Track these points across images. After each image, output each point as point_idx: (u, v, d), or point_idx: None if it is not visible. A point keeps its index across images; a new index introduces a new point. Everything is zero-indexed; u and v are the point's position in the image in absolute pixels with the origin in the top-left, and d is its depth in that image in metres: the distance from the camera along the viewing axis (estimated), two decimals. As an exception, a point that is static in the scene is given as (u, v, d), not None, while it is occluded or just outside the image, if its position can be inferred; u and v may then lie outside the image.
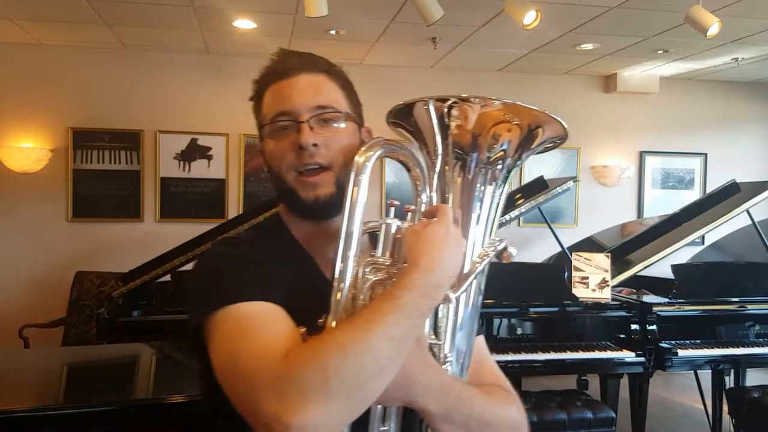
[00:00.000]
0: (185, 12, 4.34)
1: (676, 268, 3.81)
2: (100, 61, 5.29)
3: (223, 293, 0.88)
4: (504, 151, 0.94)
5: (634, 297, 3.85)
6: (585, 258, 3.66)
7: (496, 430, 0.92)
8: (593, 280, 3.61)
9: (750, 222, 4.01)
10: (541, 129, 0.94)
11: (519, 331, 3.51)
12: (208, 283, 0.92)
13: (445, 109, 0.93)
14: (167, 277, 3.96)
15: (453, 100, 0.92)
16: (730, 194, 3.98)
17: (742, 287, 3.80)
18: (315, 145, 0.97)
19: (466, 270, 0.90)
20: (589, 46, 5.05)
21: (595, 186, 6.11)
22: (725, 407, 3.69)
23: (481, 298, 0.97)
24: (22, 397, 2.29)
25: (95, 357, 3.00)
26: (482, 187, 0.95)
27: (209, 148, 5.48)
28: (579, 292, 3.61)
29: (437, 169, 0.95)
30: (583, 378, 3.83)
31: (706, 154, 6.29)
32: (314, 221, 1.03)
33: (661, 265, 3.92)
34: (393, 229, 0.89)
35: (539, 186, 4.30)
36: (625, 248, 4.12)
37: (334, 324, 0.83)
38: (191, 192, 5.46)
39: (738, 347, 3.61)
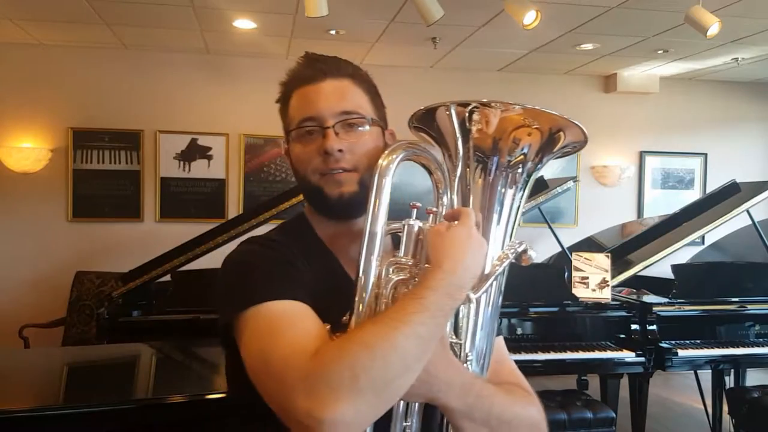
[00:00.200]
0: (185, 12, 4.34)
1: (676, 268, 3.81)
2: (100, 61, 5.29)
3: (253, 292, 0.90)
4: (524, 155, 0.96)
5: (634, 297, 3.85)
6: (585, 258, 3.66)
7: (516, 428, 0.94)
8: (593, 280, 3.61)
9: (750, 222, 4.01)
10: (562, 134, 0.96)
11: (519, 331, 3.51)
12: (238, 281, 0.95)
13: (467, 114, 0.95)
14: (167, 277, 3.96)
15: (474, 104, 0.94)
16: (730, 194, 3.98)
17: (742, 287, 3.81)
18: (340, 150, 1.00)
19: (486, 271, 0.91)
20: (589, 46, 5.05)
21: (595, 186, 6.11)
22: (725, 407, 3.69)
23: (501, 298, 0.99)
24: (22, 397, 2.30)
25: (95, 357, 3.01)
26: (503, 191, 0.97)
27: (209, 148, 5.48)
28: (579, 292, 3.61)
29: (458, 172, 0.97)
30: (583, 378, 3.84)
31: (706, 154, 6.29)
32: (338, 221, 1.07)
33: (661, 265, 3.92)
34: (415, 230, 0.92)
35: (539, 186, 4.29)
36: (625, 248, 4.12)
37: (357, 322, 0.86)
38: (191, 192, 5.46)
39: (738, 347, 3.61)
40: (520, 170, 0.97)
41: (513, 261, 0.93)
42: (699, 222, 4.00)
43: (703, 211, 4.06)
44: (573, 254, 3.74)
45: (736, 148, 6.32)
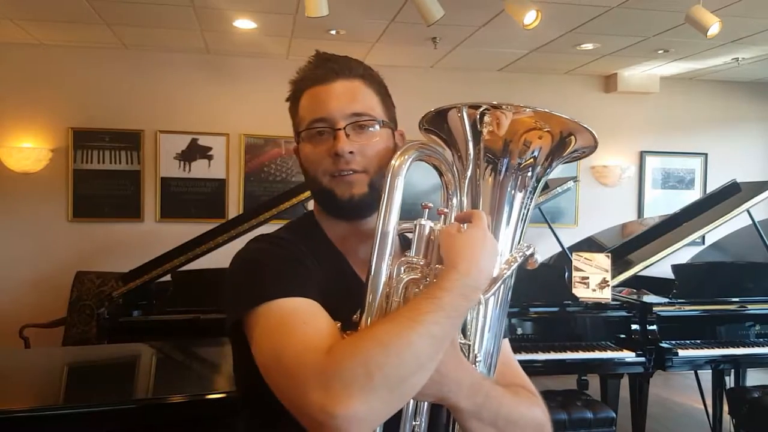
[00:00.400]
0: (185, 12, 4.34)
1: (676, 268, 3.81)
2: (101, 61, 5.29)
3: (263, 289, 0.90)
4: (534, 158, 0.97)
5: (635, 297, 3.85)
6: (585, 258, 3.66)
7: (522, 429, 0.95)
8: (593, 280, 3.61)
9: (750, 222, 4.01)
10: (572, 138, 0.97)
11: (519, 331, 3.51)
12: (248, 279, 0.95)
13: (478, 116, 0.95)
14: (167, 277, 3.96)
15: (485, 107, 0.94)
16: (731, 194, 3.97)
17: (743, 287, 3.80)
18: (351, 152, 1.01)
19: (495, 274, 0.92)
20: (589, 46, 5.05)
21: (595, 186, 6.11)
22: (725, 407, 3.69)
23: (509, 299, 0.99)
24: (22, 397, 2.30)
25: (95, 357, 3.01)
26: (512, 193, 0.98)
27: (209, 148, 5.48)
28: (579, 292, 3.61)
29: (468, 173, 0.98)
30: (583, 378, 3.84)
31: (706, 154, 6.29)
32: (348, 221, 1.07)
33: (661, 265, 3.91)
34: (427, 231, 0.92)
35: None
36: (625, 248, 4.12)
37: (368, 321, 0.87)
38: (191, 192, 5.46)
39: (738, 347, 3.61)
40: (529, 173, 0.97)
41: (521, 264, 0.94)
42: (699, 222, 4.00)
43: (703, 211, 4.06)
44: (573, 254, 3.73)
45: (736, 148, 6.32)
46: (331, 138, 1.02)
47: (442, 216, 0.95)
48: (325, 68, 1.05)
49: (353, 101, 1.02)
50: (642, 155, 6.20)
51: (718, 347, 3.60)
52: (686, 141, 6.26)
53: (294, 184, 4.74)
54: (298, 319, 0.86)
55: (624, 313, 3.59)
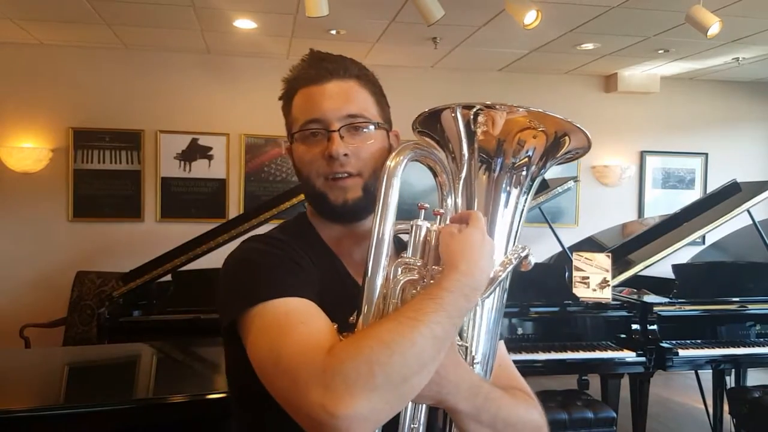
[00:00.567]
0: (185, 12, 4.34)
1: (676, 268, 3.81)
2: (101, 61, 5.30)
3: (259, 289, 0.89)
4: (529, 157, 0.96)
5: (635, 297, 3.85)
6: (586, 258, 3.66)
7: (520, 431, 0.94)
8: (594, 280, 3.61)
9: (751, 222, 4.01)
10: (566, 138, 0.96)
11: (519, 331, 3.51)
12: (244, 279, 0.94)
13: (471, 116, 0.94)
14: (168, 277, 3.96)
15: (478, 107, 0.93)
16: (731, 194, 3.97)
17: (743, 287, 3.80)
18: (345, 155, 0.99)
19: (491, 275, 0.91)
20: (589, 46, 5.05)
21: (595, 186, 6.11)
22: (726, 407, 3.69)
23: (504, 300, 0.99)
24: (22, 397, 2.30)
25: (95, 357, 3.01)
26: (507, 194, 0.97)
27: (210, 148, 5.48)
28: (580, 291, 3.61)
29: (463, 175, 0.97)
30: (583, 378, 3.84)
31: (706, 154, 6.29)
32: (341, 224, 1.06)
33: (661, 265, 3.91)
34: (423, 231, 0.91)
35: (539, 186, 4.27)
36: (625, 248, 4.12)
37: (365, 323, 0.86)
38: (192, 192, 5.46)
39: (739, 347, 3.61)
40: (524, 172, 0.97)
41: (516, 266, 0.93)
42: (699, 222, 3.99)
43: (703, 211, 4.06)
44: (574, 254, 3.73)
45: (736, 148, 6.32)
46: (325, 139, 1.00)
47: (438, 217, 0.94)
48: (320, 68, 1.03)
49: (348, 102, 1.01)
50: (642, 155, 6.20)
51: (719, 347, 3.60)
52: (686, 141, 6.25)
53: (294, 184, 4.74)
54: (295, 319, 0.85)
55: (624, 313, 3.59)
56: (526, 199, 0.99)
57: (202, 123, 5.43)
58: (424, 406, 0.90)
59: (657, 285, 4.03)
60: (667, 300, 3.69)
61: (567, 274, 3.69)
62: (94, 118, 5.28)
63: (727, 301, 3.74)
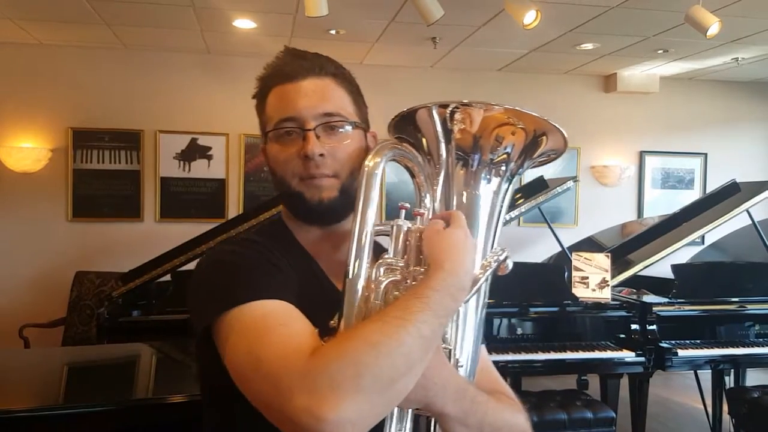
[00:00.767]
0: (185, 12, 4.34)
1: (676, 268, 3.81)
2: (100, 61, 5.29)
3: (236, 291, 0.86)
4: (507, 154, 0.94)
5: (634, 297, 3.85)
6: (585, 258, 3.66)
7: None
8: (593, 280, 3.61)
9: (750, 222, 4.01)
10: (545, 137, 0.94)
11: (519, 331, 3.51)
12: (220, 281, 0.90)
13: (448, 115, 0.92)
14: (167, 277, 3.96)
15: (454, 105, 0.91)
16: (730, 194, 3.98)
17: (742, 287, 3.80)
18: (321, 155, 0.97)
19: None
20: (589, 46, 5.05)
21: (595, 186, 6.11)
22: (725, 407, 3.69)
23: (485, 306, 0.97)
24: (22, 397, 2.29)
25: (95, 357, 3.01)
26: (485, 195, 0.95)
27: (209, 148, 5.48)
28: (579, 291, 3.61)
29: (441, 178, 0.95)
30: (583, 378, 3.84)
31: (706, 154, 6.29)
32: (318, 226, 1.03)
33: (661, 265, 3.92)
34: (404, 231, 0.88)
35: (539, 186, 4.30)
36: (625, 248, 4.12)
37: (347, 326, 0.82)
38: (191, 192, 5.46)
39: (738, 347, 3.61)
40: (503, 168, 0.95)
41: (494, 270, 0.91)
42: (699, 222, 4.00)
43: (703, 211, 4.06)
44: (573, 254, 3.74)
45: (736, 148, 6.32)
46: (300, 139, 0.97)
47: (419, 217, 0.91)
48: (295, 65, 1.00)
49: (324, 100, 0.98)
50: (642, 155, 6.20)
51: (718, 347, 3.60)
52: (686, 141, 6.26)
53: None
54: (275, 322, 0.82)
55: (624, 313, 3.59)
56: (504, 200, 0.97)
57: (201, 123, 5.43)
58: (410, 411, 0.87)
59: (656, 285, 4.03)
60: (666, 300, 3.69)
61: (566, 274, 3.69)
62: (93, 118, 5.28)
63: (727, 301, 3.74)
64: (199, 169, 5.46)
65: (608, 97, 6.11)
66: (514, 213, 4.18)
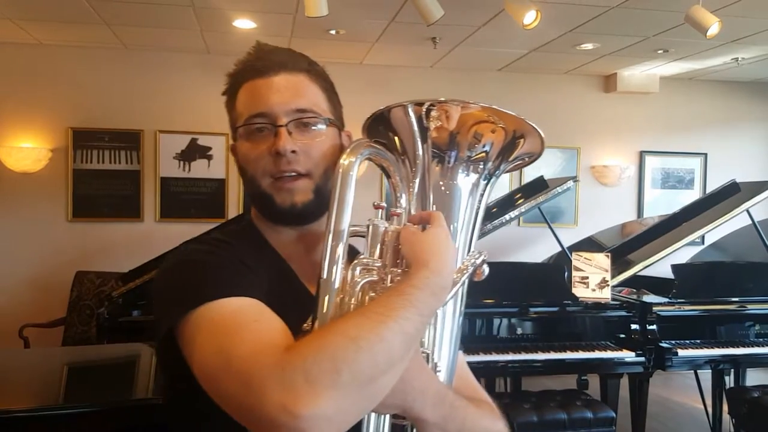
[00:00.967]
0: (185, 12, 4.34)
1: (676, 267, 3.81)
2: (100, 61, 5.29)
3: (204, 289, 0.81)
4: (486, 152, 0.92)
5: (634, 297, 3.85)
6: (585, 258, 3.66)
7: None
8: (593, 280, 3.62)
9: (750, 222, 4.01)
10: (523, 138, 0.92)
11: (519, 330, 3.51)
12: (186, 280, 0.85)
13: (423, 113, 0.90)
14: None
15: (429, 103, 0.89)
16: (730, 194, 3.98)
17: (742, 287, 3.81)
18: (293, 151, 0.93)
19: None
20: (589, 46, 5.05)
21: (595, 186, 6.11)
22: (725, 407, 3.69)
23: (462, 309, 0.94)
24: (22, 397, 2.30)
25: (95, 357, 3.01)
26: (463, 192, 0.93)
27: (209, 148, 5.48)
28: (579, 291, 3.61)
29: (417, 180, 0.92)
30: (583, 378, 3.84)
31: (706, 154, 6.29)
32: (290, 227, 1.00)
33: (661, 264, 3.92)
34: (381, 231, 0.85)
35: (539, 186, 4.30)
36: (625, 248, 4.12)
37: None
38: (191, 192, 5.46)
39: (738, 347, 3.61)
40: (481, 165, 0.92)
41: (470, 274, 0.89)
42: (699, 222, 4.00)
43: (703, 211, 4.07)
44: (573, 254, 3.74)
45: (736, 148, 6.32)
46: (271, 135, 0.94)
47: (395, 217, 0.88)
48: (266, 60, 0.97)
49: (296, 96, 0.95)
50: (642, 155, 6.20)
51: (718, 347, 3.60)
52: (686, 141, 6.26)
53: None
54: (246, 318, 0.77)
55: (624, 313, 3.59)
56: (481, 202, 0.94)
57: (201, 123, 5.43)
58: (387, 417, 0.83)
59: (656, 285, 4.03)
60: (666, 300, 3.69)
61: (566, 274, 3.69)
62: (93, 118, 5.28)
63: (727, 301, 3.74)
64: (199, 169, 5.46)
65: (608, 97, 6.11)
66: (514, 213, 4.18)
